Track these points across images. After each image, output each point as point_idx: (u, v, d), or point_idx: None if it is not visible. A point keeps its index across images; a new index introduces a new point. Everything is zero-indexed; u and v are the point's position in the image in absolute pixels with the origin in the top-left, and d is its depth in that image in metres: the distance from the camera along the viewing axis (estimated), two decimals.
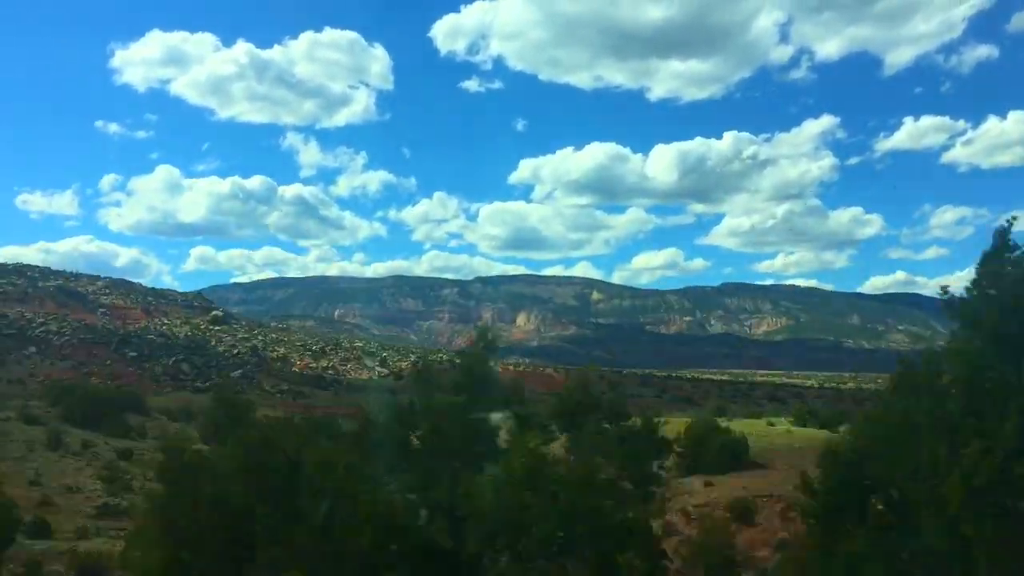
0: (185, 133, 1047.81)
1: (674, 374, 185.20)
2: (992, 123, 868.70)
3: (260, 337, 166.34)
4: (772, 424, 50.98)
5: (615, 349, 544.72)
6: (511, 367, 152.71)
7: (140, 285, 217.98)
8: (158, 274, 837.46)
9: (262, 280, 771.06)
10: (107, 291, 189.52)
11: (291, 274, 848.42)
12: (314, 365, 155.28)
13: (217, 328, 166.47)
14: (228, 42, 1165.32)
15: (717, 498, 31.53)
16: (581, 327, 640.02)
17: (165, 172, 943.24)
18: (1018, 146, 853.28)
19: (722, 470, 34.35)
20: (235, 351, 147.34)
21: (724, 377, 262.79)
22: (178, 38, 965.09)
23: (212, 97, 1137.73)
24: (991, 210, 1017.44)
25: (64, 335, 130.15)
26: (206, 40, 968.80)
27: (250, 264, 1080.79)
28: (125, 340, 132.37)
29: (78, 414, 62.03)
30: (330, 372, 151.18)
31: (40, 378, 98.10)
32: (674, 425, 46.39)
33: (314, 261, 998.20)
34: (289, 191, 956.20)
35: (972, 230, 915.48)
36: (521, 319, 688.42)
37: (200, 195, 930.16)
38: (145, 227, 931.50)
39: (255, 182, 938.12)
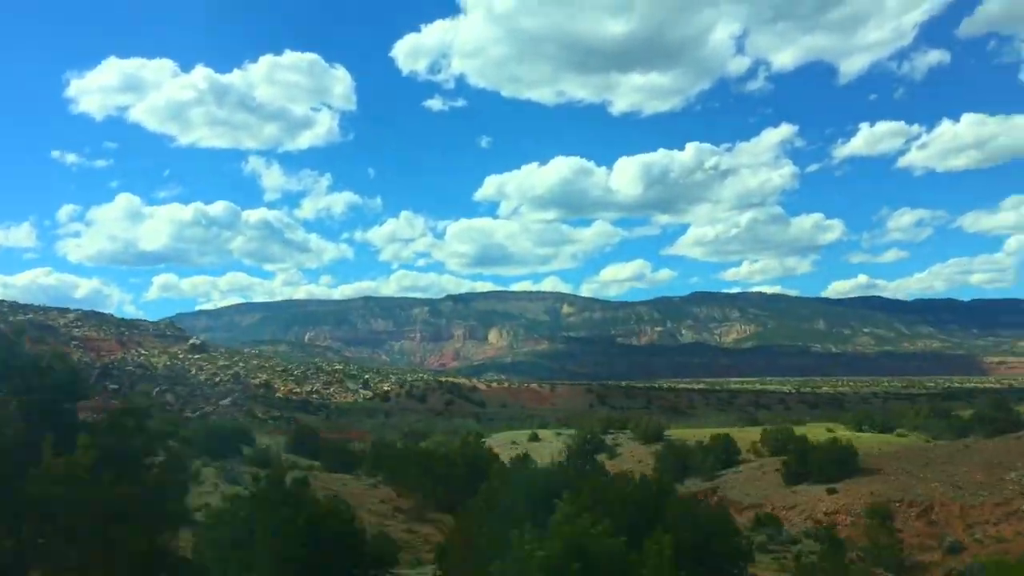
0: (145, 160, 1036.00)
1: (657, 384, 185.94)
2: (946, 126, 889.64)
3: (240, 364, 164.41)
4: (859, 431, 51.62)
5: (588, 362, 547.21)
6: (495, 383, 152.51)
7: (111, 316, 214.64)
8: (120, 304, 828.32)
9: (228, 306, 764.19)
10: (79, 323, 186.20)
11: (257, 299, 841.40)
12: (298, 390, 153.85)
13: (196, 356, 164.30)
14: (186, 67, 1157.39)
15: (848, 504, 31.64)
16: (554, 341, 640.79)
17: (125, 200, 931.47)
18: (971, 149, 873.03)
19: (832, 478, 34.50)
20: (216, 379, 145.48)
21: (700, 386, 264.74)
22: (135, 64, 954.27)
23: (172, 123, 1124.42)
24: (948, 212, 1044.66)
25: None
26: (164, 66, 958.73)
27: (215, 290, 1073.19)
28: (105, 372, 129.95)
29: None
30: (315, 396, 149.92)
31: None
32: (745, 435, 47.30)
33: (280, 285, 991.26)
34: (253, 215, 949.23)
35: (930, 231, 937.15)
36: (493, 336, 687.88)
37: (162, 222, 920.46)
38: (106, 257, 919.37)
39: (218, 207, 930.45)
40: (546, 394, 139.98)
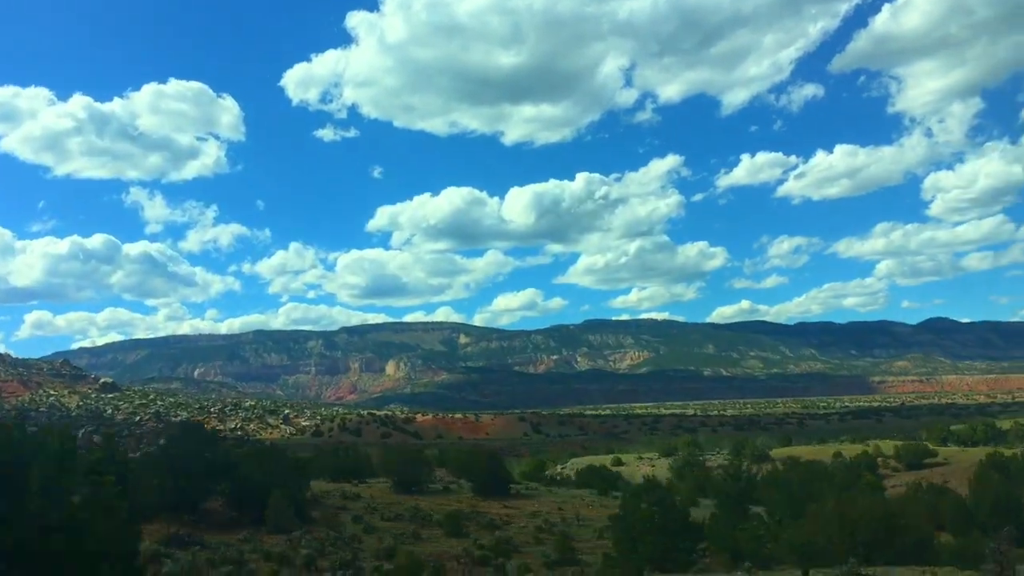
0: (18, 192, 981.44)
1: (582, 412, 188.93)
2: (820, 157, 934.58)
3: (158, 402, 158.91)
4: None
5: (489, 391, 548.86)
6: (425, 416, 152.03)
7: (7, 355, 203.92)
8: None
9: (111, 343, 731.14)
10: None
11: (139, 335, 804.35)
12: (221, 427, 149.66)
13: (110, 396, 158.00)
14: (63, 96, 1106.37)
15: None
16: (452, 372, 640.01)
17: None
18: (844, 178, 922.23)
19: None
20: (136, 418, 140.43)
21: (606, 412, 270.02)
22: (8, 92, 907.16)
23: (47, 153, 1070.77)
24: (823, 238, 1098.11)
25: None
26: (39, 94, 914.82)
27: (92, 327, 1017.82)
28: (24, 414, 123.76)
29: None
30: (239, 432, 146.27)
31: None
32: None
33: (163, 320, 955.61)
34: (134, 249, 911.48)
35: (807, 258, 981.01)
36: (391, 367, 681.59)
37: (35, 257, 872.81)
38: None
39: (96, 241, 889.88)
40: (480, 424, 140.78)
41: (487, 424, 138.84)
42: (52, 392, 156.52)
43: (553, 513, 37.62)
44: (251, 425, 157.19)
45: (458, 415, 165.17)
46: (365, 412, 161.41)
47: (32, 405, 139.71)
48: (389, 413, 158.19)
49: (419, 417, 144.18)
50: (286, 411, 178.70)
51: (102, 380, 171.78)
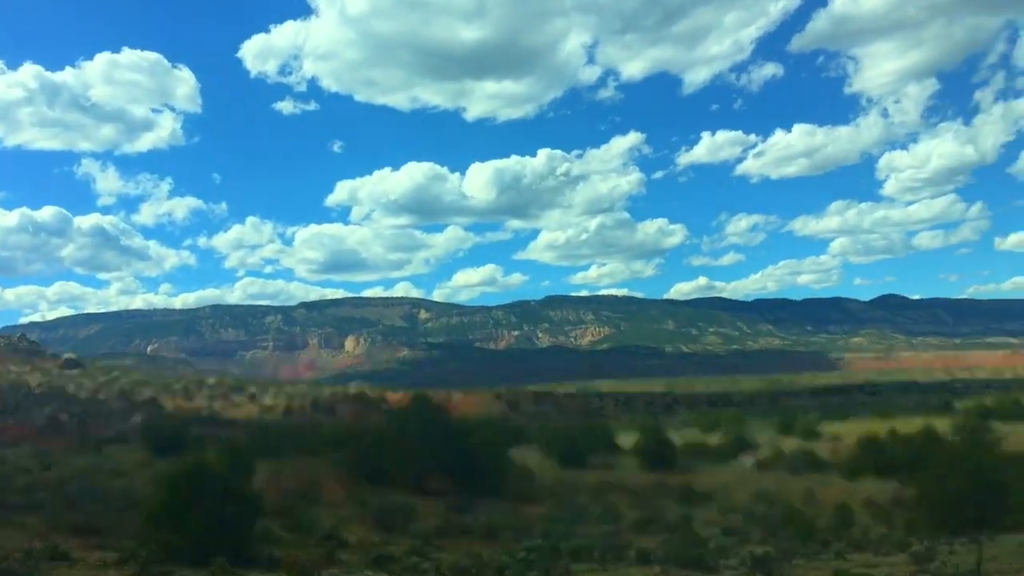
0: None
1: (552, 390, 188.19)
2: (779, 136, 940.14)
3: (122, 379, 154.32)
4: None
5: (450, 368, 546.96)
6: (396, 393, 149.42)
7: None
8: None
9: (62, 317, 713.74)
10: None
11: (90, 309, 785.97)
12: (185, 405, 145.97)
13: (73, 372, 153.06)
14: (13, 64, 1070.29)
15: None
16: (413, 348, 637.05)
17: None
18: (802, 157, 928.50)
19: None
20: (100, 396, 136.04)
21: (570, 388, 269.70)
22: None
23: None
24: (780, 216, 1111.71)
25: None
26: None
27: (42, 301, 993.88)
28: None
29: None
30: (204, 412, 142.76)
31: None
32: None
33: (116, 294, 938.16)
34: (86, 222, 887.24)
35: (764, 236, 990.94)
36: (350, 344, 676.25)
37: None
38: None
39: (46, 213, 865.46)
40: (456, 402, 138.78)
41: (463, 402, 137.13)
42: (13, 368, 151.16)
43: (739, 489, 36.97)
44: (217, 403, 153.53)
45: (432, 393, 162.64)
46: (338, 390, 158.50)
47: None
48: (362, 391, 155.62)
49: (392, 395, 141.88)
50: (252, 389, 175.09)
51: (65, 356, 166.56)
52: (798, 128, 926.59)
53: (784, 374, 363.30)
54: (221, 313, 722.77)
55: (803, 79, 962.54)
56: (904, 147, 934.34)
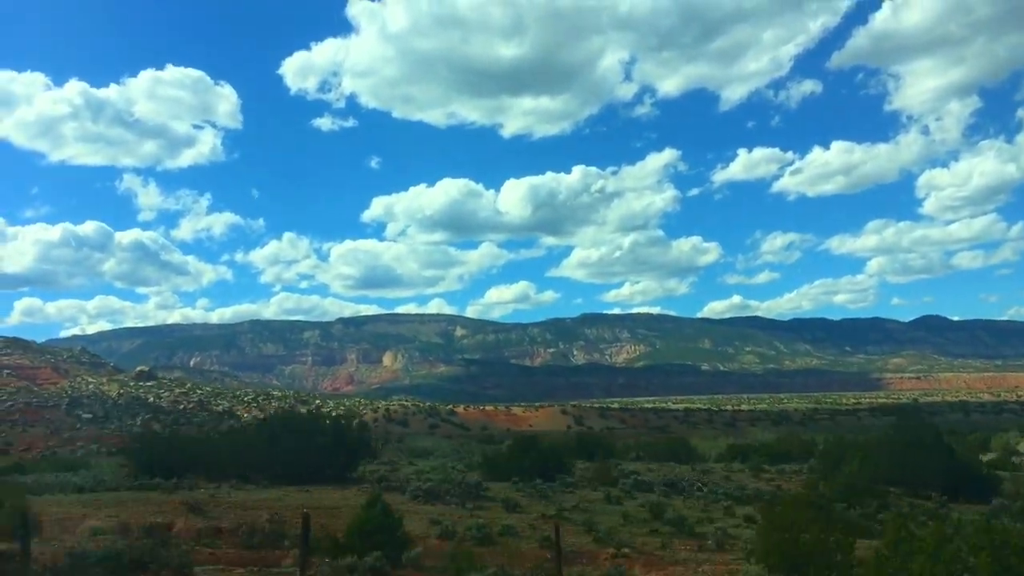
0: (10, 178, 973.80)
1: (619, 405, 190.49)
2: (817, 153, 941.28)
3: (197, 391, 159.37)
4: None
5: (488, 383, 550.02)
6: (467, 408, 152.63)
7: (31, 343, 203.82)
8: None
9: (106, 331, 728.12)
10: (7, 350, 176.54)
11: (129, 323, 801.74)
12: (261, 416, 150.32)
13: (148, 384, 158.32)
14: (59, 81, 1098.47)
15: None
16: (450, 364, 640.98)
17: None
18: (839, 175, 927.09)
19: None
20: (180, 407, 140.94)
21: (614, 405, 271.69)
22: (4, 77, 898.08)
23: (42, 139, 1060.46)
24: (816, 235, 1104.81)
25: (7, 401, 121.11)
26: (35, 79, 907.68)
27: (83, 314, 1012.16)
28: (76, 402, 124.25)
29: None
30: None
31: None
32: None
33: (154, 309, 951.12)
34: (126, 237, 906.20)
35: (799, 255, 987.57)
36: (388, 359, 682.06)
37: (26, 243, 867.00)
38: None
39: (88, 228, 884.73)
40: (523, 416, 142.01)
41: (530, 416, 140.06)
42: (90, 379, 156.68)
43: None
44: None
45: (500, 407, 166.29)
46: (409, 402, 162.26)
47: (75, 392, 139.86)
48: (431, 404, 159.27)
49: (460, 409, 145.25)
50: (316, 401, 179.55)
51: (138, 369, 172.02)
52: (836, 145, 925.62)
53: (824, 393, 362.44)
54: (260, 328, 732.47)
55: (842, 96, 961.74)
56: (944, 165, 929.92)
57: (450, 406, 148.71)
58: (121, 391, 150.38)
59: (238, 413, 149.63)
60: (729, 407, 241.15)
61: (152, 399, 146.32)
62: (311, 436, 32.04)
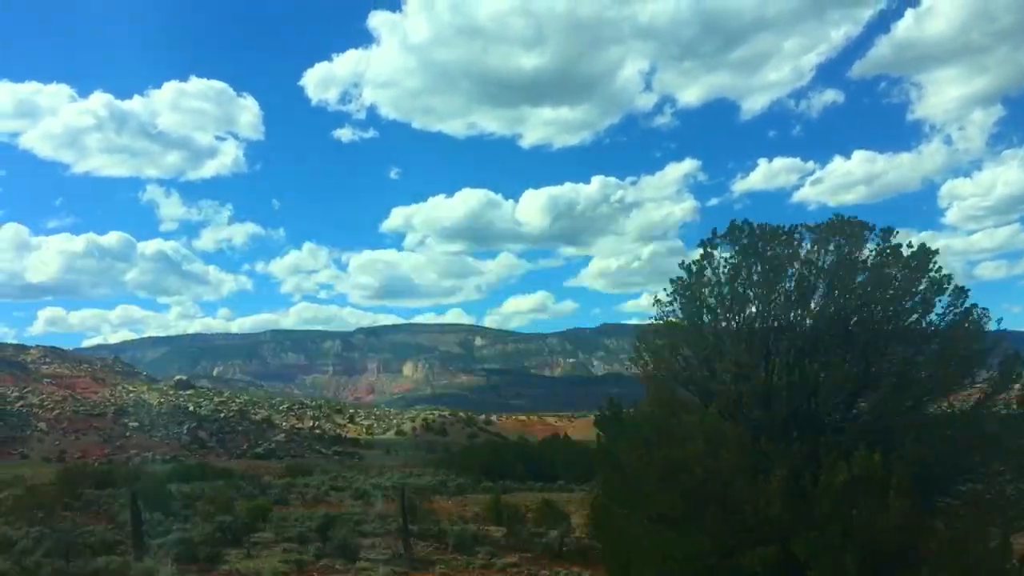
0: (35, 189, 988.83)
1: None
2: (838, 163, 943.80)
3: (236, 400, 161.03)
4: None
5: (509, 393, 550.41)
6: (502, 417, 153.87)
7: (68, 351, 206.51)
8: (1, 338, 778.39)
9: (128, 341, 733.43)
10: (47, 359, 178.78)
11: (150, 332, 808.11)
12: (300, 425, 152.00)
13: (187, 393, 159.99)
14: (84, 93, 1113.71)
15: None
16: (469, 373, 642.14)
17: (12, 231, 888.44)
18: (861, 184, 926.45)
19: None
20: (220, 415, 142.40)
21: None
22: (29, 89, 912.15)
23: (67, 150, 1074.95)
24: None
25: (54, 410, 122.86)
26: (60, 91, 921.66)
27: (105, 324, 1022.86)
28: (122, 411, 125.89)
29: None
30: (317, 431, 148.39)
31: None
32: None
33: (176, 318, 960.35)
34: (149, 247, 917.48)
35: None
36: (408, 369, 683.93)
37: (51, 253, 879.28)
38: None
39: (112, 238, 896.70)
40: (561, 426, 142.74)
41: (566, 426, 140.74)
42: (130, 388, 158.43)
43: None
44: (327, 424, 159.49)
45: (534, 417, 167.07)
46: (447, 412, 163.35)
47: (118, 401, 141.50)
48: (469, 414, 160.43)
49: (496, 419, 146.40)
50: (350, 411, 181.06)
51: (176, 378, 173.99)
52: (858, 155, 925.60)
53: None
54: (281, 338, 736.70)
55: (864, 105, 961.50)
56: (967, 175, 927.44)
57: (484, 416, 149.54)
58: (161, 400, 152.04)
59: (276, 422, 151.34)
60: None
61: (192, 408, 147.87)
62: None
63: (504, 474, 42.57)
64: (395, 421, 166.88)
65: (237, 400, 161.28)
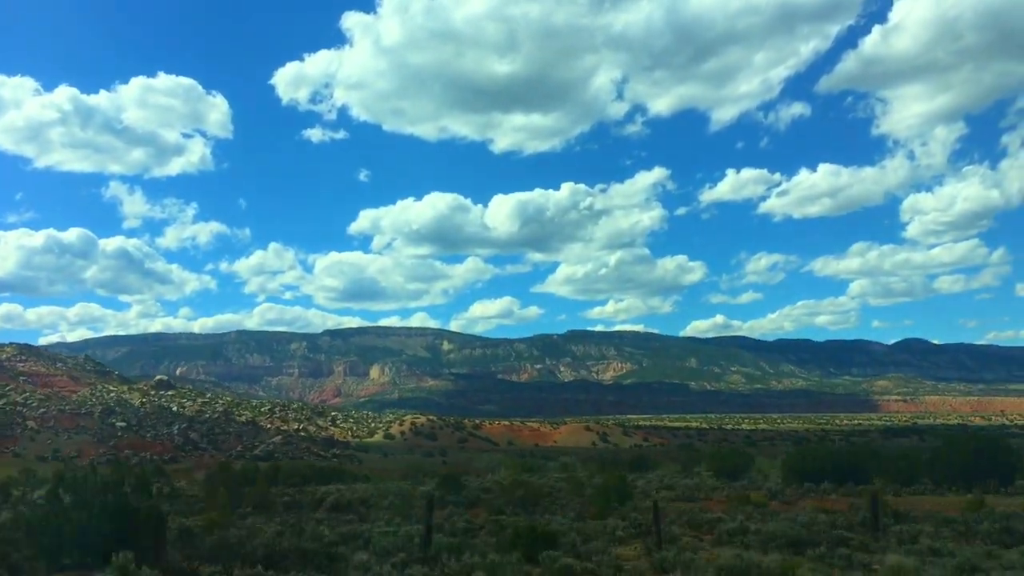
0: None
1: (613, 422, 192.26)
2: (804, 175, 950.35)
3: (219, 401, 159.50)
4: None
5: (476, 398, 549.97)
6: (492, 423, 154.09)
7: (41, 349, 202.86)
8: None
9: (90, 339, 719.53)
10: (21, 357, 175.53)
11: (109, 331, 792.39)
12: (285, 427, 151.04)
13: (168, 393, 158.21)
14: (49, 86, 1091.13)
15: None
16: (437, 378, 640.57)
17: None
18: (826, 197, 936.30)
19: None
20: (205, 416, 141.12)
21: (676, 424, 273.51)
22: None
23: (29, 144, 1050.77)
24: (799, 256, 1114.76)
25: (39, 408, 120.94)
26: (24, 84, 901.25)
27: (62, 321, 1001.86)
28: (109, 410, 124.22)
29: None
30: (302, 433, 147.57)
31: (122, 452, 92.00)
32: None
33: (136, 317, 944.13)
34: (110, 244, 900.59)
35: (783, 276, 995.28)
36: (375, 372, 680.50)
37: (8, 249, 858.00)
38: None
39: (72, 235, 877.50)
40: (548, 432, 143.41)
41: (555, 433, 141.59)
42: (111, 388, 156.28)
43: None
44: (311, 427, 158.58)
45: (529, 423, 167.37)
46: (433, 416, 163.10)
47: (101, 401, 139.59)
48: (457, 420, 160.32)
49: (486, 424, 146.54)
50: (333, 414, 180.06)
51: (157, 378, 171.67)
52: (823, 168, 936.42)
53: (818, 414, 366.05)
54: (246, 339, 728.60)
55: (830, 119, 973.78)
56: (929, 189, 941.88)
57: (475, 421, 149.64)
58: (143, 400, 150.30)
59: (262, 424, 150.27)
60: (763, 425, 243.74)
61: (176, 408, 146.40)
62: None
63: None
64: (373, 425, 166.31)
65: (220, 401, 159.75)
